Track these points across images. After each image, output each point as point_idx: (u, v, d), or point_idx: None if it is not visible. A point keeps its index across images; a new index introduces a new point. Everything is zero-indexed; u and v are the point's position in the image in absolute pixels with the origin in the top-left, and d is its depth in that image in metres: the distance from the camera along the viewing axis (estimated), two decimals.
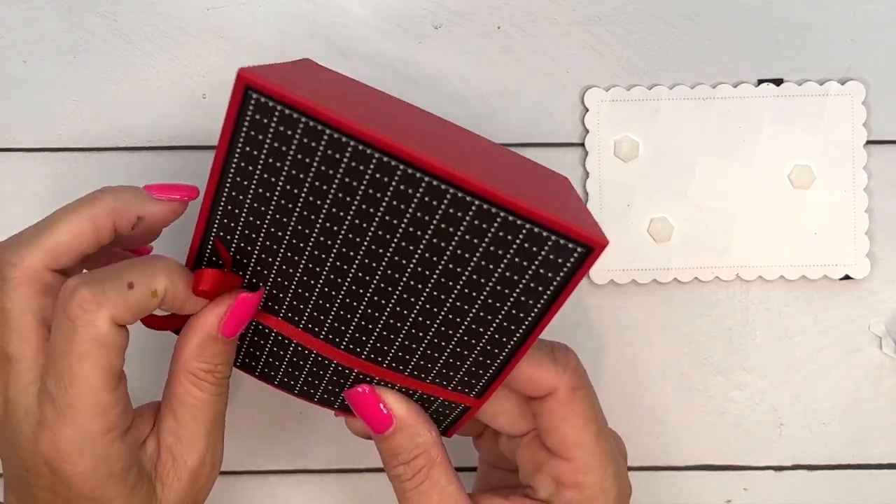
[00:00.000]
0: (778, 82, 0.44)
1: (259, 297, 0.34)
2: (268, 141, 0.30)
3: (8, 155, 0.44)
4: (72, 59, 0.44)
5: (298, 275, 0.33)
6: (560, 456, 0.35)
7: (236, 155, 0.31)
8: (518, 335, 0.32)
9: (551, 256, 0.30)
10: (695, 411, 0.45)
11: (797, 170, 0.44)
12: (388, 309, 0.33)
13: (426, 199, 0.29)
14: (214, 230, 0.33)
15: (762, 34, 0.44)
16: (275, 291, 0.34)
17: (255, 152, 0.31)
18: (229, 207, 0.32)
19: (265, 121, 0.30)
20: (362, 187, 0.30)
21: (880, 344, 0.45)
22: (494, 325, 0.32)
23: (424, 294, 0.32)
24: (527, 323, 0.32)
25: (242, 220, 0.33)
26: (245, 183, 0.32)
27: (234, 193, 0.32)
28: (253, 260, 0.34)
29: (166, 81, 0.44)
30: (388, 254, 0.31)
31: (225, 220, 0.33)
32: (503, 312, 0.32)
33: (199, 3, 0.44)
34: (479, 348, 0.33)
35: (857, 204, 0.44)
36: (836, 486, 0.45)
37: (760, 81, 0.44)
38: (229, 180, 0.32)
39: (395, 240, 0.31)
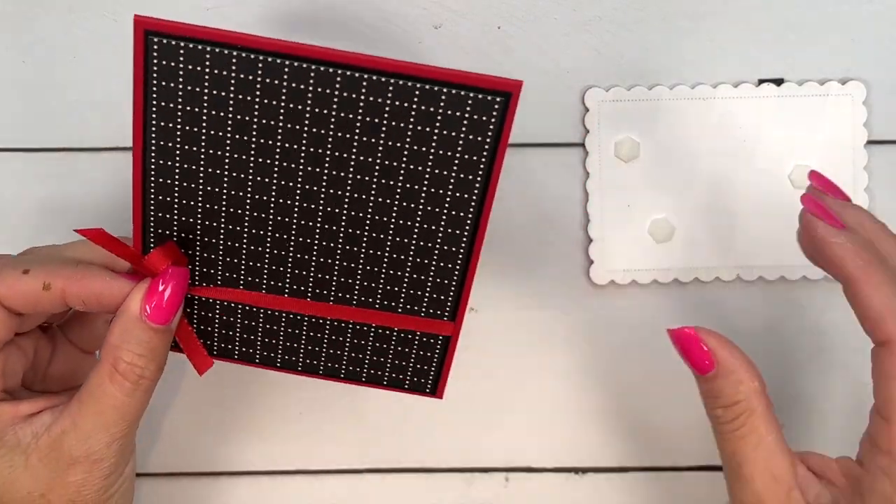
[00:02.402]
0: (778, 82, 0.44)
1: (176, 273, 0.33)
2: (181, 86, 0.30)
3: (8, 155, 0.44)
4: (72, 59, 0.44)
5: (246, 233, 0.33)
6: (880, 414, 0.32)
7: (153, 114, 0.31)
8: (469, 219, 0.32)
9: (475, 116, 0.30)
10: (696, 412, 0.45)
11: (798, 170, 0.44)
12: (341, 243, 0.33)
13: (345, 94, 0.30)
14: (152, 210, 0.33)
15: (762, 34, 0.44)
16: (229, 259, 0.34)
17: (172, 105, 0.31)
18: (161, 179, 0.32)
19: (172, 64, 0.30)
20: (282, 103, 0.30)
21: None
22: (444, 217, 0.32)
23: (371, 206, 0.32)
24: (474, 201, 0.31)
25: (177, 188, 0.32)
26: (170, 145, 0.31)
27: (161, 161, 0.32)
28: (198, 233, 0.33)
29: None
30: (324, 176, 0.31)
31: (160, 196, 0.33)
32: (448, 197, 0.32)
33: (198, 3, 0.44)
34: (437, 249, 0.33)
35: (858, 204, 0.44)
36: None
37: (761, 81, 0.44)
38: (153, 147, 0.32)
39: (328, 152, 0.31)
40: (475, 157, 0.31)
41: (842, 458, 0.35)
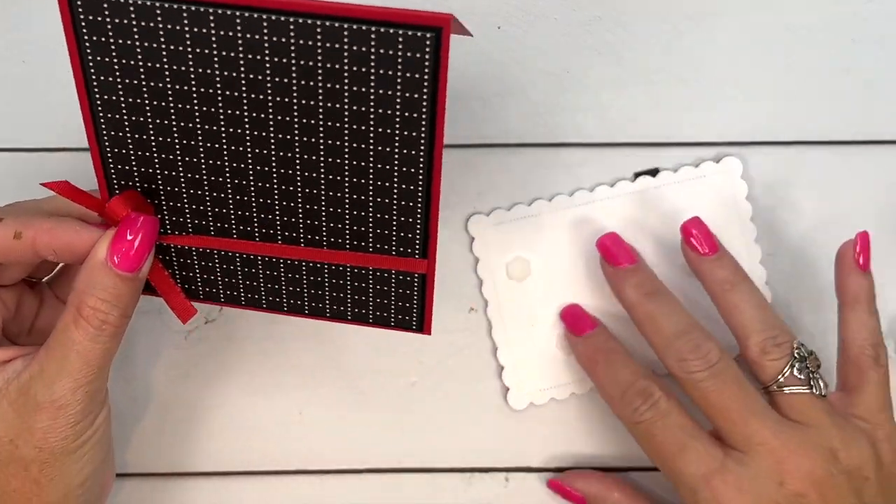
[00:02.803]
0: (654, 173, 0.44)
1: (145, 221, 0.33)
2: (111, 40, 0.30)
3: (8, 155, 0.44)
4: None
5: (206, 181, 0.33)
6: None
7: (92, 70, 0.31)
8: (422, 157, 0.32)
9: (409, 54, 0.29)
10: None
11: None
12: (299, 186, 0.33)
13: (275, 38, 0.29)
14: (110, 162, 0.33)
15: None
16: (195, 206, 0.34)
17: (107, 59, 0.30)
18: (112, 133, 0.32)
19: (100, 19, 0.30)
20: (215, 52, 0.30)
21: None
22: (397, 155, 0.32)
23: (322, 148, 0.32)
24: (423, 139, 0.31)
25: (130, 141, 0.32)
26: (114, 98, 0.31)
27: (109, 115, 0.32)
28: (160, 183, 0.33)
29: None
30: (270, 120, 0.31)
31: (116, 149, 0.33)
32: (397, 137, 0.31)
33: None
34: (396, 188, 0.33)
35: (756, 277, 0.43)
36: None
37: (637, 175, 0.44)
38: (98, 102, 0.32)
39: (269, 98, 0.31)
40: (416, 95, 0.30)
41: None
